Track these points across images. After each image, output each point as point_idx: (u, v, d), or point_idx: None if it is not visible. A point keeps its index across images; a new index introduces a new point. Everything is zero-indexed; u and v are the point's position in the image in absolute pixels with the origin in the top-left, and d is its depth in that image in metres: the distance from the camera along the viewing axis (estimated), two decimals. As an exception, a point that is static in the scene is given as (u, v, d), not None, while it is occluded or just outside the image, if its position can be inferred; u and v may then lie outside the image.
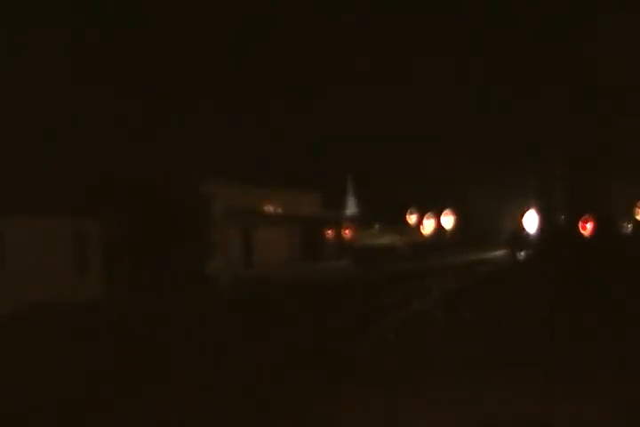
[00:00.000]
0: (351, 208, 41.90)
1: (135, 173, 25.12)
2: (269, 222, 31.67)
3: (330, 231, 37.25)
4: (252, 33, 34.37)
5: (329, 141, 37.14)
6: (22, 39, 23.58)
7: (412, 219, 43.76)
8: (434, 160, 40.85)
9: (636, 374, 9.12)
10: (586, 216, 38.19)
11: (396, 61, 38.50)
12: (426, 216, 44.11)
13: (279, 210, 32.20)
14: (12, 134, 22.20)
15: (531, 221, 40.68)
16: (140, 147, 25.80)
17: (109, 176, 24.49)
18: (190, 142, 28.09)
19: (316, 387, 9.22)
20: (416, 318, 16.45)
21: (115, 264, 23.99)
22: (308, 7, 34.02)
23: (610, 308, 15.54)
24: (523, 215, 41.27)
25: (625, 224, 39.36)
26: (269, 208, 31.71)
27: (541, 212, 39.64)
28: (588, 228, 38.29)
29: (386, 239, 41.82)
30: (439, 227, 44.48)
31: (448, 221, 44.26)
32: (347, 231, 38.64)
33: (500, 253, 39.95)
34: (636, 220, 39.63)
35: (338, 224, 37.98)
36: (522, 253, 35.68)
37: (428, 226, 44.35)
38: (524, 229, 40.52)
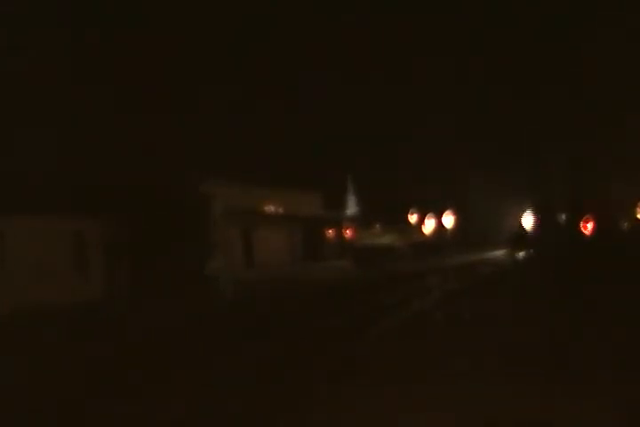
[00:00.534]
0: (352, 208, 41.90)
1: (135, 173, 25.12)
2: (270, 222, 31.65)
3: (330, 231, 37.25)
4: (251, 33, 34.38)
5: (329, 141, 37.16)
6: (22, 39, 23.58)
7: (412, 219, 43.80)
8: (434, 160, 40.89)
9: (635, 374, 9.11)
10: (586, 216, 38.22)
11: (395, 61, 38.51)
12: (427, 216, 44.15)
13: (279, 210, 32.19)
14: (12, 134, 22.21)
15: (530, 221, 40.70)
16: (140, 147, 25.81)
17: (109, 176, 24.48)
18: (190, 142, 28.11)
19: (317, 387, 9.21)
20: (416, 318, 16.43)
21: (115, 264, 23.99)
22: (307, 7, 34.03)
23: (609, 308, 15.53)
24: (523, 215, 41.31)
25: (625, 224, 39.39)
26: (270, 208, 31.69)
27: (541, 212, 39.67)
28: (588, 227, 38.32)
29: (386, 239, 41.83)
30: (440, 227, 44.52)
31: (449, 220, 44.30)
32: (347, 231, 38.64)
33: (500, 253, 39.94)
34: (637, 219, 39.65)
35: (338, 224, 37.97)
36: (522, 253, 35.68)
37: (428, 226, 44.39)
38: (525, 228, 40.55)
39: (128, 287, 23.64)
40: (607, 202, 38.67)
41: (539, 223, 39.63)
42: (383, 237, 41.86)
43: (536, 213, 40.05)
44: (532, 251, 35.35)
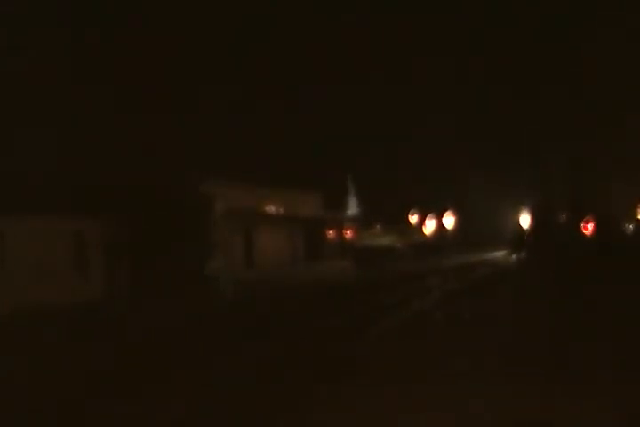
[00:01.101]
0: (352, 208, 41.87)
1: (135, 173, 25.11)
2: (270, 223, 31.64)
3: (331, 231, 37.24)
4: (251, 33, 34.38)
5: (329, 141, 37.16)
6: (22, 39, 23.59)
7: (413, 219, 43.79)
8: (434, 160, 40.88)
9: (635, 374, 9.10)
10: (587, 216, 38.19)
11: (396, 61, 38.51)
12: (427, 216, 44.14)
13: (280, 210, 32.18)
14: (12, 134, 22.22)
15: (530, 221, 40.66)
16: (140, 147, 25.82)
17: (109, 176, 24.47)
18: (190, 142, 28.11)
19: (317, 387, 9.21)
20: (416, 318, 16.43)
21: (115, 264, 23.98)
22: (308, 7, 34.04)
23: (609, 308, 15.53)
24: (524, 215, 41.27)
25: (626, 224, 39.36)
26: (270, 208, 31.69)
27: (541, 212, 39.64)
28: (589, 228, 38.28)
29: (387, 239, 41.82)
30: (440, 227, 44.52)
31: (449, 221, 44.30)
32: (347, 231, 38.63)
33: (500, 253, 39.92)
34: (637, 220, 39.64)
35: (339, 224, 37.96)
36: (521, 253, 35.64)
37: (429, 226, 44.38)
38: (526, 229, 40.51)
39: (128, 287, 23.63)
40: (607, 202, 38.67)
41: (538, 223, 39.60)
42: (383, 238, 41.85)
43: (535, 212, 40.02)
44: (530, 251, 35.32)
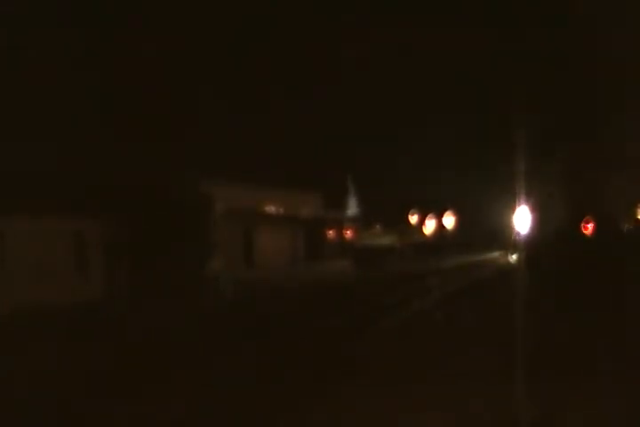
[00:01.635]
0: (352, 208, 41.86)
1: (135, 173, 25.09)
2: (270, 223, 31.64)
3: (331, 232, 37.24)
4: (252, 33, 34.36)
5: (329, 141, 37.12)
6: (22, 39, 23.58)
7: (413, 219, 43.77)
8: (434, 160, 40.83)
9: (635, 373, 9.11)
10: (587, 216, 38.16)
11: (396, 61, 38.50)
12: (427, 216, 44.13)
13: (280, 210, 32.19)
14: (12, 134, 22.19)
15: (529, 221, 40.59)
16: (140, 147, 25.79)
17: (109, 176, 24.45)
18: (190, 142, 28.08)
19: (317, 387, 9.21)
20: (416, 318, 16.44)
21: (115, 264, 23.97)
22: (307, 7, 34.02)
23: (609, 308, 15.53)
24: (524, 215, 41.20)
25: (626, 224, 39.33)
26: (270, 208, 31.69)
27: (541, 212, 39.60)
28: (589, 228, 38.26)
29: (387, 240, 41.82)
30: (440, 227, 44.50)
31: (449, 221, 44.28)
32: (347, 231, 38.62)
33: (500, 253, 39.91)
34: (637, 220, 39.60)
35: (339, 224, 37.96)
36: (520, 253, 35.56)
37: (429, 226, 44.37)
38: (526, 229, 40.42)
39: (128, 287, 23.62)
40: (607, 202, 38.64)
41: (538, 223, 39.56)
42: (383, 238, 41.85)
43: (535, 213, 39.96)
44: (530, 250, 35.23)
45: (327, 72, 36.66)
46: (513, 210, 41.14)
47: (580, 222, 38.05)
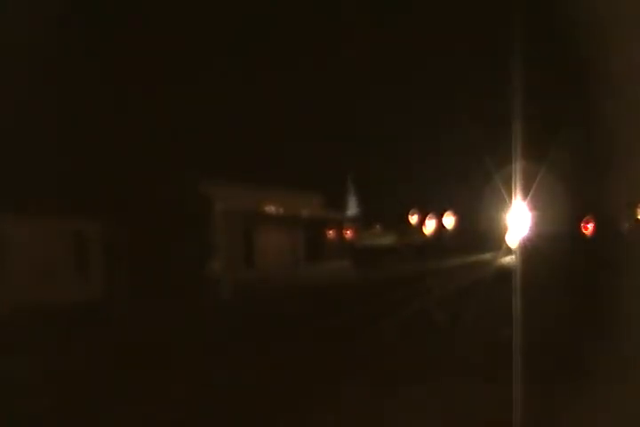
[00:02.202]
0: (352, 208, 41.87)
1: (135, 173, 25.09)
2: (270, 223, 31.64)
3: (331, 232, 37.24)
4: (251, 33, 34.37)
5: (329, 141, 37.11)
6: (22, 39, 23.58)
7: (413, 219, 43.79)
8: (434, 160, 40.81)
9: (634, 373, 9.11)
10: (587, 217, 38.18)
11: (395, 61, 38.50)
12: (427, 216, 44.14)
13: (280, 210, 32.19)
14: (11, 134, 22.19)
15: (528, 221, 40.64)
16: (140, 147, 25.79)
17: (109, 176, 24.45)
18: (190, 142, 28.08)
19: (316, 387, 9.20)
20: (416, 317, 16.43)
21: (115, 264, 23.97)
22: (307, 7, 34.03)
23: (609, 308, 15.52)
24: (524, 215, 41.23)
25: (626, 225, 39.34)
26: (270, 208, 31.69)
27: (541, 212, 39.62)
28: (589, 228, 38.28)
29: (387, 240, 41.82)
30: (441, 227, 44.50)
31: (449, 221, 44.29)
32: (348, 232, 38.62)
33: (500, 253, 39.90)
34: (637, 220, 39.61)
35: (339, 224, 37.96)
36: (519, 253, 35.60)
37: (429, 226, 44.38)
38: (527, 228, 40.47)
39: (128, 287, 23.62)
40: (607, 202, 38.67)
41: (538, 223, 39.58)
42: (383, 238, 41.86)
43: (535, 213, 39.99)
44: (532, 251, 35.28)
45: (327, 72, 36.66)
46: (513, 210, 41.26)
47: (580, 222, 38.06)
